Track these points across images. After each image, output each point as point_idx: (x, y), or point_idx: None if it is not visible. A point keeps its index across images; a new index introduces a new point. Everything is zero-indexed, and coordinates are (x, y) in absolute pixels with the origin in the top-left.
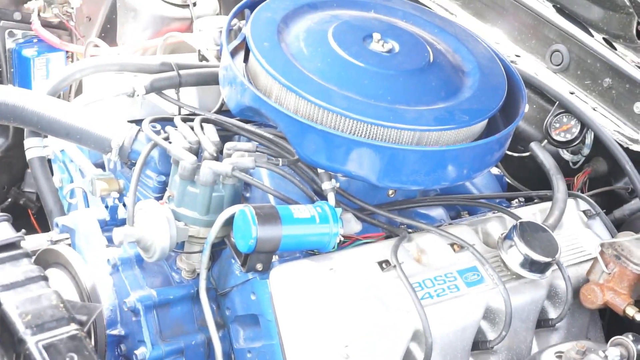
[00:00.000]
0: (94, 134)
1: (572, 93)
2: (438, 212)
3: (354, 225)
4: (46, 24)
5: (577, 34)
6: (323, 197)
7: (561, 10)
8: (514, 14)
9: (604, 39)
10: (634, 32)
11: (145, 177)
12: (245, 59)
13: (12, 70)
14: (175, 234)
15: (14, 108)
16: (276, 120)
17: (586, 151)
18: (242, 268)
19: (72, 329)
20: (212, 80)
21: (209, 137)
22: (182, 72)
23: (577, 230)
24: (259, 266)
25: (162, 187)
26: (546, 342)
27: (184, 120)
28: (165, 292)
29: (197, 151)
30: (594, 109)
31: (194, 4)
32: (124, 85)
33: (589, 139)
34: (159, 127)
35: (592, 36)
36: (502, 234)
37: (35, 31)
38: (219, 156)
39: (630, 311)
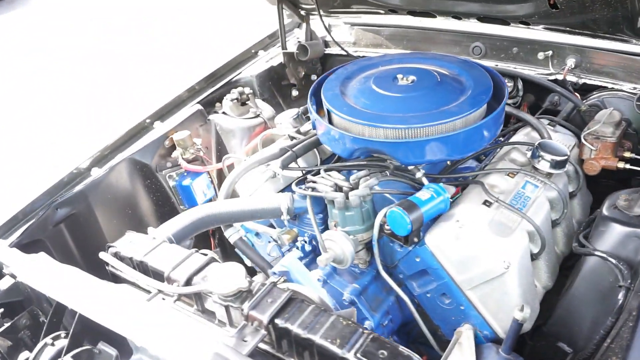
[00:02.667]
0: (268, 208)
1: (496, 65)
2: (470, 162)
3: (451, 190)
4: (187, 161)
5: (484, 30)
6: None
7: (482, 18)
8: (443, 40)
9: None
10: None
11: (308, 221)
12: (330, 122)
13: (180, 198)
14: (353, 244)
15: (214, 216)
16: (379, 148)
17: (521, 93)
18: (406, 245)
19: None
20: (312, 147)
21: (339, 178)
22: (295, 149)
23: (556, 135)
24: (416, 239)
25: (323, 220)
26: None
27: (315, 174)
28: (361, 282)
29: (340, 189)
30: (514, 68)
31: (261, 113)
32: (266, 173)
33: (520, 86)
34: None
35: (508, 24)
36: (527, 155)
37: (185, 168)
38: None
39: (621, 164)
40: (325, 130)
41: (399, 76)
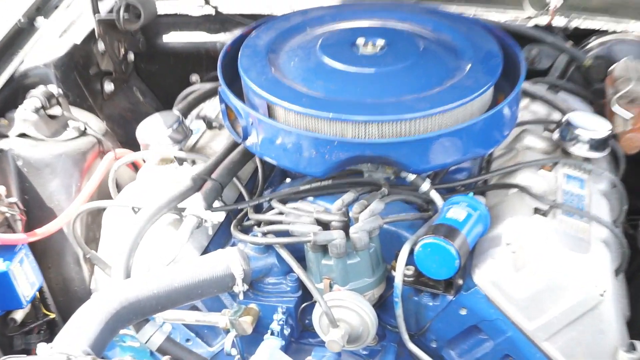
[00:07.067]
0: (213, 278)
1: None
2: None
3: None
4: None
5: None
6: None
7: None
8: None
9: None
10: None
11: (274, 286)
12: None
13: None
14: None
15: (131, 308)
16: (381, 153)
17: None
18: (448, 292)
19: None
20: (237, 167)
21: (318, 209)
22: (214, 176)
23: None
24: (460, 281)
25: (299, 284)
26: None
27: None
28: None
29: (326, 226)
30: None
31: (87, 128)
32: (188, 224)
33: None
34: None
35: None
36: (553, 137)
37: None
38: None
39: None
40: (273, 137)
41: (360, 41)
